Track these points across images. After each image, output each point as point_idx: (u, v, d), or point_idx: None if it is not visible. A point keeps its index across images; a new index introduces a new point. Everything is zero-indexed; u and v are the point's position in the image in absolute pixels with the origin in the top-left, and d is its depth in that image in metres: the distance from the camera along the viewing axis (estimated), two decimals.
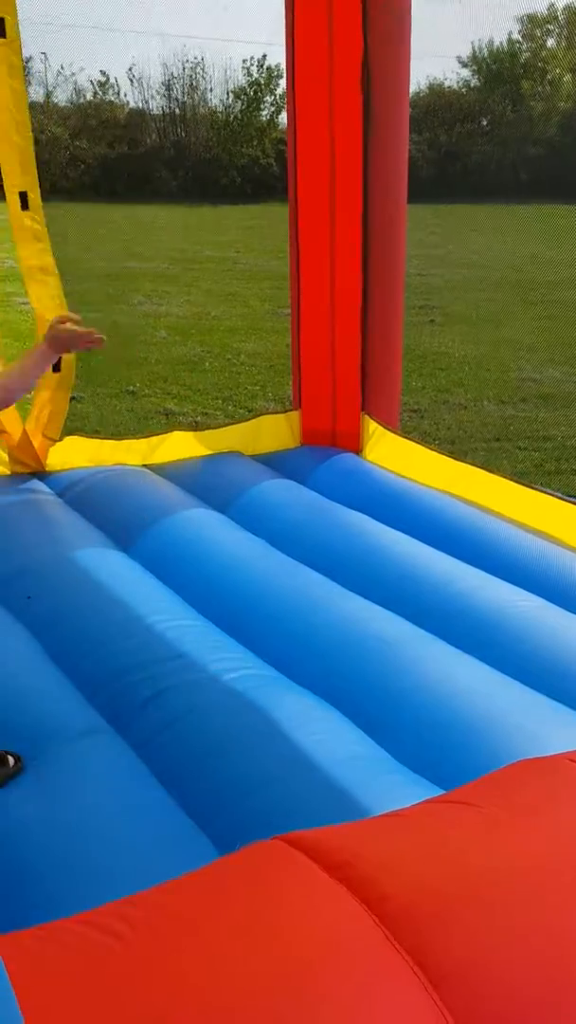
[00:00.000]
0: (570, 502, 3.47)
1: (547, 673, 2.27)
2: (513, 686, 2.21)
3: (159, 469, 3.94)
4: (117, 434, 4.36)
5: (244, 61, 26.47)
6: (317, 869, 1.11)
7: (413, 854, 1.15)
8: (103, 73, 26.19)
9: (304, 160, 3.87)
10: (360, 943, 1.01)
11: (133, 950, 0.97)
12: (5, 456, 3.82)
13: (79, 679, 2.25)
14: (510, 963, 1.02)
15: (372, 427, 4.11)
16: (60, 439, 3.95)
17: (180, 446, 4.21)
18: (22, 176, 3.46)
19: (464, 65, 29.15)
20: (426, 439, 4.20)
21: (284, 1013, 0.92)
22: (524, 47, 29.58)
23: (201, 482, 3.72)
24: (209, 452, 4.22)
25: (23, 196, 3.47)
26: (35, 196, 3.51)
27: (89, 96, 26.39)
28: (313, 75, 3.72)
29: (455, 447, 4.60)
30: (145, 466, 4.01)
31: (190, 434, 4.38)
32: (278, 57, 26.28)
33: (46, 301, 3.61)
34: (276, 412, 4.72)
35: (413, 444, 4.07)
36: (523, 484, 3.71)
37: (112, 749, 1.97)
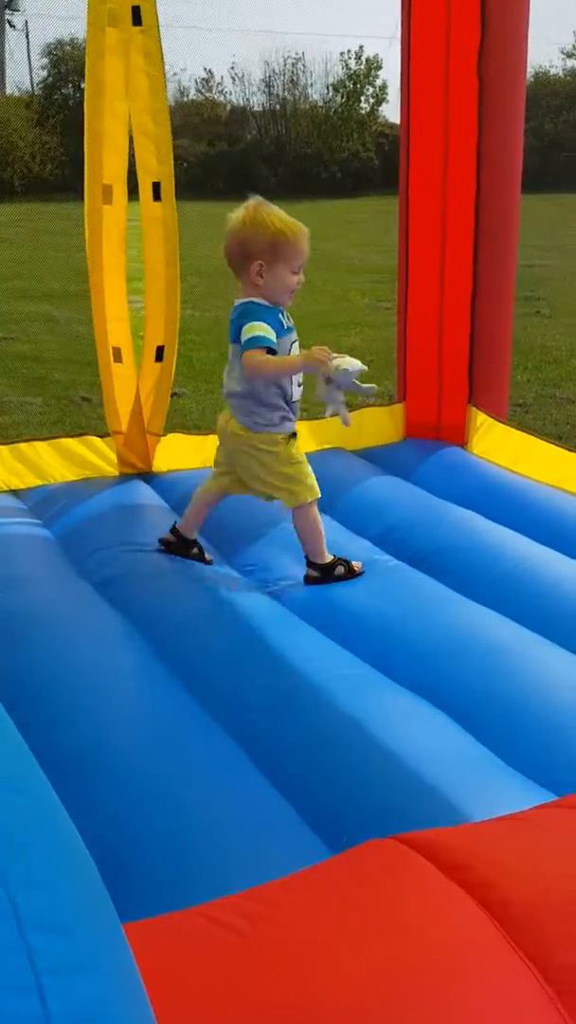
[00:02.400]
0: None
1: None
2: None
3: None
4: None
5: (342, 54, 26.39)
6: (434, 870, 1.09)
7: (533, 858, 1.12)
8: (207, 71, 26.45)
9: (417, 150, 3.80)
10: (480, 946, 0.99)
11: (254, 946, 0.97)
12: (114, 457, 3.86)
13: (180, 671, 2.27)
14: None
15: (480, 419, 4.03)
16: (164, 435, 3.99)
17: None
18: (157, 166, 3.40)
19: (569, 56, 28.52)
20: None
21: (406, 1014, 0.90)
22: None
23: None
24: (311, 443, 4.20)
25: (156, 186, 3.41)
26: (168, 187, 3.43)
27: (192, 95, 26.77)
28: (429, 63, 3.63)
29: (563, 443, 4.48)
30: None
31: None
32: (376, 48, 26.13)
33: (162, 294, 3.58)
34: (378, 405, 4.68)
35: (525, 436, 3.94)
36: None
37: (221, 745, 1.98)
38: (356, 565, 2.79)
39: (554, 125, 25.59)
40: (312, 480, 2.73)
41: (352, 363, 2.61)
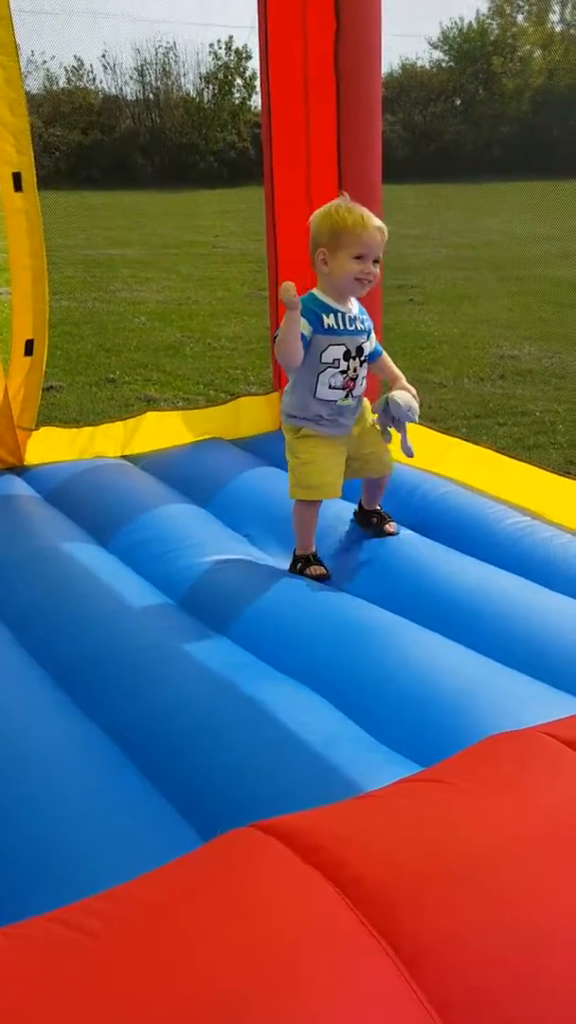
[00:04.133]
0: (553, 473, 3.51)
1: (524, 650, 2.28)
2: (490, 664, 2.21)
3: (140, 460, 3.91)
4: (97, 423, 4.34)
5: (211, 45, 26.31)
6: (290, 854, 1.11)
7: (386, 834, 1.15)
8: (77, 59, 25.90)
9: (279, 141, 3.83)
10: (333, 927, 1.01)
11: (104, 946, 0.96)
12: None
13: (56, 670, 2.24)
14: (485, 940, 1.02)
15: None
16: (36, 428, 3.92)
17: (157, 429, 4.18)
18: (17, 156, 3.35)
19: (435, 47, 29.09)
20: None
21: (255, 1001, 0.91)
22: (494, 24, 29.51)
23: (182, 474, 3.69)
24: (188, 435, 4.19)
25: (16, 177, 3.36)
26: (29, 177, 3.39)
27: (63, 83, 26.21)
28: (286, 55, 3.67)
29: (436, 425, 4.60)
30: (126, 457, 3.98)
31: (168, 414, 4.36)
32: (245, 38, 26.08)
33: (28, 288, 3.52)
34: (256, 395, 4.69)
35: None
36: (507, 455, 3.73)
37: (91, 738, 1.96)
38: (314, 570, 2.79)
39: (423, 117, 26.09)
40: (311, 481, 2.76)
41: (411, 406, 2.83)
